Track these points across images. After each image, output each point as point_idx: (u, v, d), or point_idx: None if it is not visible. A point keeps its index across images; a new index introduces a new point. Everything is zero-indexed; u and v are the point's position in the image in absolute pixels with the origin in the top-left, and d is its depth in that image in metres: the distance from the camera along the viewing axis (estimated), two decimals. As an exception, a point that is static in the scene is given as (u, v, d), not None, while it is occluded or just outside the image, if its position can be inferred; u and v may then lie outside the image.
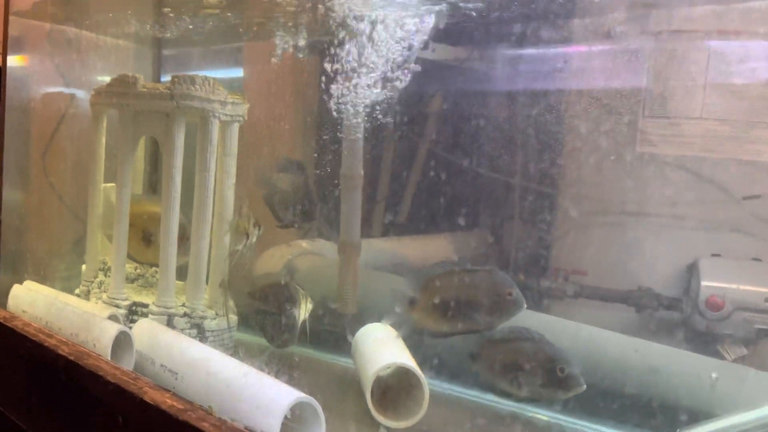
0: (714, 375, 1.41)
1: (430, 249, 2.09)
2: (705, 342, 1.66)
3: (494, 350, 1.43)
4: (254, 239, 1.61)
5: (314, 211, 1.74)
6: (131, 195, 1.77)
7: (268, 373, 1.28)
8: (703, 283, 1.67)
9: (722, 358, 1.62)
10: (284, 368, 1.38)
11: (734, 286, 1.65)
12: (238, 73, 2.27)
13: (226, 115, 1.66)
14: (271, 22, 1.84)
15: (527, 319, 1.56)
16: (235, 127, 1.71)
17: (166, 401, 1.24)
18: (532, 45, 1.93)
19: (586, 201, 1.95)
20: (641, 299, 1.84)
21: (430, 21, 1.70)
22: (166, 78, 2.28)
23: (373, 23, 1.66)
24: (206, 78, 1.63)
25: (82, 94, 2.12)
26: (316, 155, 1.98)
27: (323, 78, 1.77)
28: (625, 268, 1.89)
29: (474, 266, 1.48)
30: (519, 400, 1.44)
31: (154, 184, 2.08)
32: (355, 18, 1.66)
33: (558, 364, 1.37)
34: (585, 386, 1.36)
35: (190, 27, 2.02)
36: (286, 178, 1.73)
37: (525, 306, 1.43)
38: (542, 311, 1.83)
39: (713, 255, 1.77)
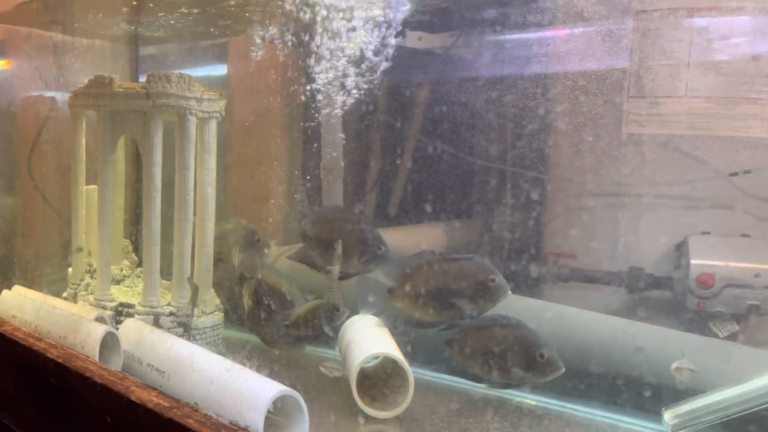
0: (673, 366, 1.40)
1: (420, 238, 2.08)
2: (696, 320, 1.66)
3: (472, 337, 1.42)
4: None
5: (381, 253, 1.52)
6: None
7: (250, 368, 1.28)
8: (693, 261, 1.66)
9: (713, 335, 1.62)
10: (265, 362, 1.38)
11: (724, 263, 1.64)
12: (219, 70, 2.26)
13: (203, 111, 1.65)
14: (245, 17, 1.83)
15: (514, 304, 1.56)
16: (213, 123, 1.70)
17: (152, 399, 1.25)
18: (514, 29, 1.92)
19: (574, 184, 1.94)
20: (632, 280, 1.83)
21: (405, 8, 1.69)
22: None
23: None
24: (182, 75, 1.62)
25: (63, 97, 2.11)
26: (297, 150, 1.98)
27: (302, 72, 1.76)
28: (615, 249, 1.88)
29: (455, 254, 1.47)
30: (498, 385, 1.43)
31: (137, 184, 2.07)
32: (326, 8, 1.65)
33: (537, 349, 1.36)
34: (564, 369, 1.36)
35: (171, 23, 2.00)
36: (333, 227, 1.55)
37: (509, 292, 1.42)
38: (533, 296, 1.82)
39: (702, 233, 1.77)
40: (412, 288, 1.44)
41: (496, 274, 1.41)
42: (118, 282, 1.88)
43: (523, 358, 1.37)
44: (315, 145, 1.88)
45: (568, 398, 1.50)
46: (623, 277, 1.82)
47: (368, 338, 1.50)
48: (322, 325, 1.57)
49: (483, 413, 1.43)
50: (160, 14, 1.91)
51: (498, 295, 1.41)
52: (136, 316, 1.68)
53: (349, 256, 1.52)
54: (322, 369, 1.43)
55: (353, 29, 1.71)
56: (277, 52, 1.98)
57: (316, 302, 1.61)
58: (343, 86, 1.78)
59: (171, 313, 1.67)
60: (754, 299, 1.61)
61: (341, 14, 1.70)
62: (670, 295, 1.77)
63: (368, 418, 1.39)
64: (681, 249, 1.76)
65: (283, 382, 1.20)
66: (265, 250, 1.67)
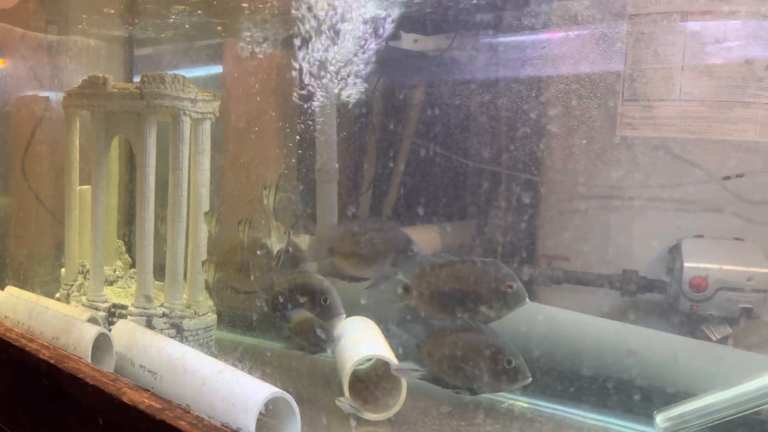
0: None
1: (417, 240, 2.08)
2: (689, 323, 1.66)
3: (440, 343, 1.38)
4: None
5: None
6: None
7: (243, 370, 1.28)
8: (686, 264, 1.66)
9: (706, 338, 1.63)
10: (258, 364, 1.38)
11: (717, 266, 1.64)
12: (214, 70, 2.25)
13: (197, 112, 1.65)
14: (240, 20, 1.82)
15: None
16: (207, 124, 1.70)
17: (144, 401, 1.24)
18: (508, 32, 1.93)
19: (567, 187, 1.95)
20: (625, 283, 1.83)
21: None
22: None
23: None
24: (176, 76, 1.62)
25: (57, 97, 2.11)
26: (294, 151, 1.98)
27: (296, 74, 1.76)
28: (608, 252, 1.89)
29: (474, 258, 1.43)
30: (464, 392, 1.41)
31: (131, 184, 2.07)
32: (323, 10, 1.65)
33: (505, 356, 1.32)
34: (531, 378, 1.33)
35: (169, 21, 2.00)
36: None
37: (527, 299, 1.38)
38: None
39: (696, 236, 1.77)
40: (428, 288, 1.41)
41: (514, 281, 1.36)
42: (111, 283, 1.88)
43: (491, 365, 1.33)
44: (309, 146, 1.88)
45: (560, 401, 1.50)
46: (616, 279, 1.82)
47: (361, 340, 1.50)
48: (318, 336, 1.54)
49: (474, 416, 1.43)
50: (164, 12, 1.90)
51: (515, 302, 1.35)
52: (129, 317, 1.68)
53: (380, 263, 1.51)
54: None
55: (349, 30, 1.71)
56: (272, 54, 1.98)
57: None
58: (337, 87, 1.78)
59: (164, 315, 1.67)
60: (746, 302, 1.61)
61: (337, 15, 1.70)
62: (663, 298, 1.77)
63: (360, 421, 1.39)
64: (674, 252, 1.76)
65: (276, 385, 1.20)
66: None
